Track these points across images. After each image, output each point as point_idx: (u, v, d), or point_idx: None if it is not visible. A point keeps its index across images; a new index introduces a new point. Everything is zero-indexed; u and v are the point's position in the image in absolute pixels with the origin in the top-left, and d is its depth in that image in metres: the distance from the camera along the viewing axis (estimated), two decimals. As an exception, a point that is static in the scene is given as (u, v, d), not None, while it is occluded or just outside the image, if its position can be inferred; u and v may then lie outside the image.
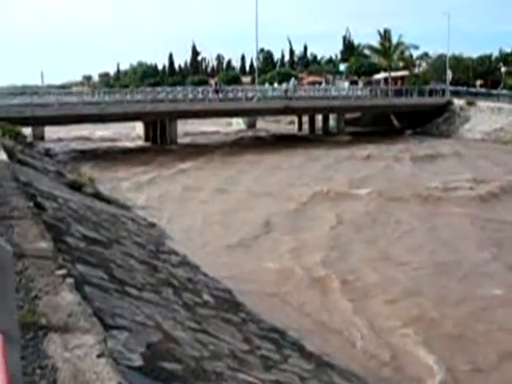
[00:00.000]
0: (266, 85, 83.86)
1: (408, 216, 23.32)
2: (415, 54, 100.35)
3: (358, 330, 12.45)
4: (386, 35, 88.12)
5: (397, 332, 12.51)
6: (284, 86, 71.85)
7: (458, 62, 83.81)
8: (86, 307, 4.96)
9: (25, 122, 46.66)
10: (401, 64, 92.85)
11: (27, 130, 48.17)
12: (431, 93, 68.27)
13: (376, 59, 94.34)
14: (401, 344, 11.98)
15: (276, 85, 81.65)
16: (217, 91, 61.53)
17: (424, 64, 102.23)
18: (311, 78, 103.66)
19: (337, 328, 12.52)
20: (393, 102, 66.53)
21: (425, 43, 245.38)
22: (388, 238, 20.10)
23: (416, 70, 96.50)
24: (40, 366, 3.81)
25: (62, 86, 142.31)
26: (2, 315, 2.27)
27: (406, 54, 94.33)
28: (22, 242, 6.73)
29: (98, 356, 3.98)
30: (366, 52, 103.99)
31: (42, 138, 55.85)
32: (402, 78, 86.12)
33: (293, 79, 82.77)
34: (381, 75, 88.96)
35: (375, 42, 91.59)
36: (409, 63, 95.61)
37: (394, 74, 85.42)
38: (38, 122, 52.10)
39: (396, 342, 12.05)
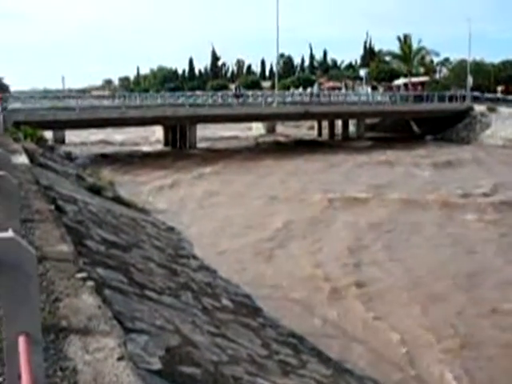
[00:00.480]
0: (291, 89, 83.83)
1: (428, 222, 23.17)
2: (436, 59, 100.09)
3: (378, 336, 12.38)
4: (406, 41, 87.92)
5: (420, 341, 12.38)
6: (309, 90, 71.78)
7: (479, 67, 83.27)
8: (106, 310, 4.99)
9: (46, 125, 46.92)
10: (422, 70, 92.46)
11: (48, 134, 48.49)
12: (452, 99, 67.91)
13: (396, 65, 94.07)
14: (424, 354, 11.85)
15: (301, 89, 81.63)
16: (237, 96, 61.59)
17: (444, 70, 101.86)
18: (331, 84, 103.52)
19: (355, 334, 12.45)
20: (413, 107, 66.25)
21: (445, 49, 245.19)
22: (408, 244, 19.98)
23: (436, 76, 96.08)
24: (61, 367, 3.84)
25: (83, 90, 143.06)
26: (26, 317, 2.29)
27: (427, 59, 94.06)
28: (43, 244, 6.77)
29: (118, 359, 4.00)
30: (387, 58, 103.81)
31: (62, 142, 56.21)
32: (423, 83, 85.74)
33: (317, 84, 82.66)
34: (401, 81, 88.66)
35: (395, 47, 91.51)
36: (429, 69, 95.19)
37: (414, 79, 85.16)
38: (59, 125, 52.42)
39: (419, 352, 11.92)
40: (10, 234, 2.31)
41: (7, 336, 2.29)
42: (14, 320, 2.28)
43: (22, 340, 2.21)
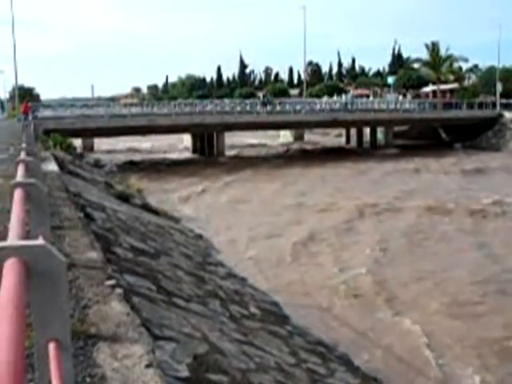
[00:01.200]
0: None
1: (456, 231, 22.98)
2: (464, 66, 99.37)
3: (407, 346, 12.29)
4: (434, 47, 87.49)
5: (450, 351, 12.25)
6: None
7: (508, 74, 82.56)
8: (134, 317, 5.01)
9: (75, 133, 47.43)
10: (451, 77, 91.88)
11: (77, 142, 48.91)
12: (481, 106, 67.48)
13: (424, 72, 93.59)
14: (453, 364, 11.72)
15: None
16: (264, 103, 61.68)
17: (473, 76, 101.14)
18: (359, 91, 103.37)
19: (384, 342, 12.37)
20: (441, 115, 65.94)
21: (474, 55, 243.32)
22: (436, 252, 19.82)
23: (465, 83, 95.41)
24: (90, 374, 3.86)
25: (112, 98, 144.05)
26: (56, 324, 2.31)
27: (455, 66, 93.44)
28: (72, 251, 6.82)
29: (147, 366, 4.01)
30: (415, 65, 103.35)
31: (91, 149, 56.72)
32: (451, 90, 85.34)
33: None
34: (429, 88, 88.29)
35: (424, 54, 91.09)
36: (458, 76, 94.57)
37: (442, 86, 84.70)
38: (88, 133, 52.89)
39: (448, 362, 11.79)
40: (40, 241, 2.33)
41: (37, 342, 2.31)
42: (45, 327, 2.30)
43: (52, 347, 2.22)
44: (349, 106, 65.16)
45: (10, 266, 2.09)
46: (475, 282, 16.52)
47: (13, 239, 2.84)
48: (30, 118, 45.05)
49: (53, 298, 2.28)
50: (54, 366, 2.06)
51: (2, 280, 1.99)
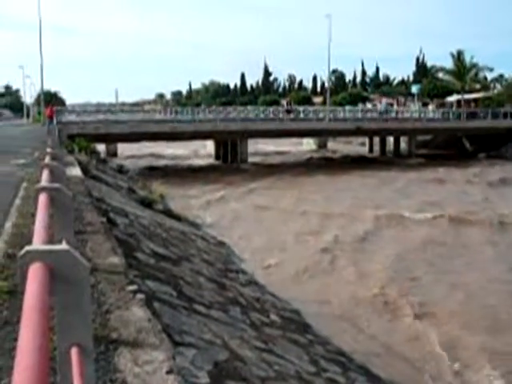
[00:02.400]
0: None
1: (481, 242, 22.76)
2: (490, 75, 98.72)
3: (430, 357, 12.19)
4: (459, 57, 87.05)
5: (475, 365, 12.12)
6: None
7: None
8: (155, 323, 5.02)
9: (99, 138, 47.76)
10: (476, 86, 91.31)
11: (101, 147, 49.22)
12: (506, 115, 67.00)
13: (449, 81, 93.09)
14: (478, 377, 11.59)
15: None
16: (288, 111, 61.70)
17: (499, 86, 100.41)
18: (383, 99, 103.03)
19: (405, 353, 12.29)
20: (466, 124, 65.56)
21: (500, 65, 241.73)
22: (459, 265, 19.63)
23: (490, 93, 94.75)
24: (111, 379, 3.87)
25: (135, 104, 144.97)
26: (79, 329, 2.32)
27: (480, 75, 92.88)
28: (94, 256, 6.86)
29: (167, 372, 4.01)
30: (439, 74, 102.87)
31: (114, 155, 57.05)
32: (476, 100, 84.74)
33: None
34: (454, 97, 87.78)
35: (448, 63, 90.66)
36: (483, 85, 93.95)
37: (467, 96, 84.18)
38: (112, 138, 53.24)
39: (471, 376, 11.67)
40: (65, 246, 2.34)
41: (60, 346, 2.32)
42: (67, 331, 2.31)
43: (74, 351, 2.24)
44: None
45: (35, 270, 2.11)
46: (496, 292, 16.38)
47: (37, 243, 2.86)
48: (55, 122, 45.41)
49: (76, 302, 2.30)
50: (76, 371, 2.07)
51: (27, 284, 2.00)
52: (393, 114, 68.06)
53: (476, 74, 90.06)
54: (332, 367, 9.28)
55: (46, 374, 1.44)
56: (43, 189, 4.69)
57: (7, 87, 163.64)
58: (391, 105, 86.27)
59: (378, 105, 76.84)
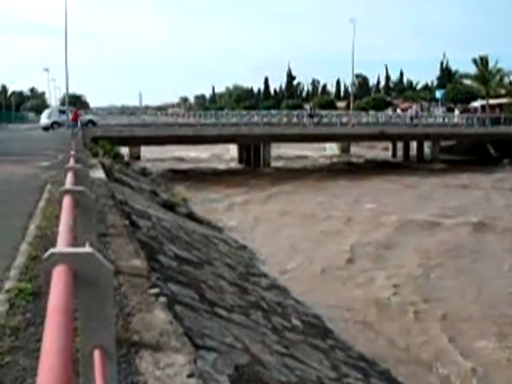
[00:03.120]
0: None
1: (505, 249, 22.57)
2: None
3: (451, 364, 12.09)
4: (483, 62, 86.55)
5: (497, 375, 12.02)
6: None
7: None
8: (177, 326, 5.04)
9: (122, 141, 47.98)
10: (502, 91, 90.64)
11: (124, 150, 49.42)
12: (531, 121, 66.57)
13: (473, 86, 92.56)
14: None
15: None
16: (311, 116, 61.62)
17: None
18: (406, 105, 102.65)
19: (427, 360, 12.21)
20: (490, 130, 65.14)
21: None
22: (482, 271, 19.48)
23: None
24: (132, 382, 3.89)
25: (159, 108, 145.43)
26: (101, 331, 2.34)
27: (506, 80, 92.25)
28: (117, 258, 6.89)
29: (188, 376, 4.02)
30: (464, 79, 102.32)
31: (138, 158, 57.25)
32: (501, 105, 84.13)
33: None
34: (478, 103, 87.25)
35: (472, 68, 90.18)
36: (508, 90, 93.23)
37: (491, 101, 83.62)
38: (135, 141, 53.47)
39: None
40: (89, 249, 2.36)
41: (83, 348, 2.34)
42: (91, 333, 2.33)
43: (97, 353, 2.25)
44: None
45: (59, 272, 2.13)
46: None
47: (61, 246, 2.88)
48: (79, 125, 45.72)
49: (99, 305, 2.32)
50: (98, 373, 2.09)
51: (51, 286, 2.02)
52: (423, 120, 67.70)
53: (501, 79, 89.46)
54: (353, 373, 9.26)
55: (70, 375, 1.46)
56: (67, 191, 4.73)
57: (33, 90, 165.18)
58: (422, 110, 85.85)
59: (408, 110, 76.33)
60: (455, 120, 69.80)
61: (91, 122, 54.86)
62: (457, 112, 77.00)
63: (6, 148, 28.96)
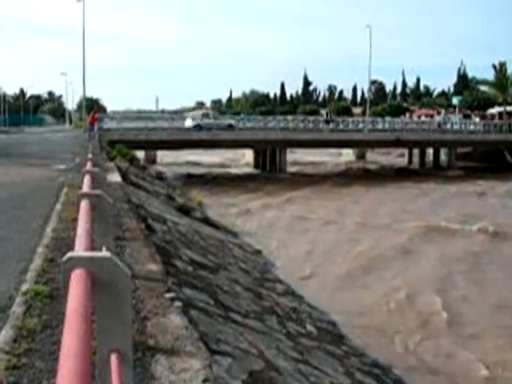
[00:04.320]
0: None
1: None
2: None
3: (465, 373, 12.02)
4: (502, 68, 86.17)
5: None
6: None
7: None
8: (192, 331, 5.04)
9: (139, 145, 48.12)
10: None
11: (141, 154, 49.57)
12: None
13: (491, 93, 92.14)
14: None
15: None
16: (327, 121, 61.51)
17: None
18: (423, 111, 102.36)
19: (441, 368, 12.14)
20: (507, 137, 64.81)
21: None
22: (498, 279, 19.37)
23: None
24: (147, 386, 3.89)
25: (176, 112, 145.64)
26: (119, 335, 2.35)
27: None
28: (133, 262, 6.91)
29: (203, 381, 4.03)
30: (481, 86, 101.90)
31: (153, 162, 57.40)
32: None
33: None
34: (495, 109, 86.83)
35: (489, 75, 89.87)
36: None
37: (509, 108, 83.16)
38: (152, 145, 53.57)
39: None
40: (107, 253, 2.37)
41: (100, 352, 2.35)
42: (108, 337, 2.34)
43: (114, 357, 2.26)
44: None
45: (77, 276, 2.14)
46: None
47: (79, 250, 2.89)
48: (96, 128, 45.90)
49: (117, 309, 2.33)
50: (115, 377, 2.10)
51: (70, 289, 2.04)
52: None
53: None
54: (367, 380, 9.23)
55: (89, 379, 1.46)
56: (85, 195, 4.75)
57: (50, 93, 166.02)
58: (431, 116, 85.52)
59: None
60: (471, 127, 69.40)
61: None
62: (477, 119, 76.51)
63: (24, 151, 29.15)
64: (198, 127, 56.08)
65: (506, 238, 25.27)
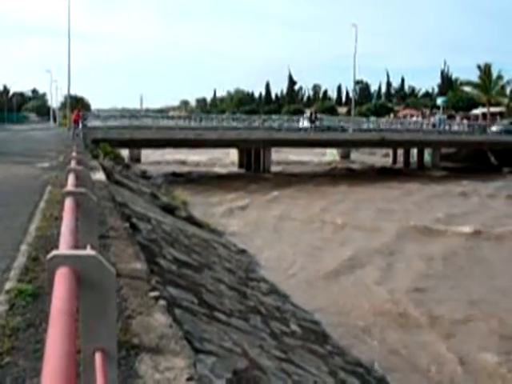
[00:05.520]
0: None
1: (503, 257, 22.59)
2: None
3: (447, 371, 12.08)
4: (485, 70, 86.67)
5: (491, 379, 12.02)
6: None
7: None
8: (176, 330, 5.03)
9: (123, 143, 47.99)
10: (504, 100, 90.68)
11: (125, 152, 49.44)
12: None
13: (475, 94, 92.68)
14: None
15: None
16: (312, 121, 61.57)
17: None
18: (407, 111, 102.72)
19: (424, 366, 12.18)
20: (490, 138, 65.17)
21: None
22: (476, 280, 19.43)
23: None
24: (131, 385, 3.88)
25: (160, 110, 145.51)
26: (103, 334, 2.34)
27: (508, 89, 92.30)
28: (117, 261, 6.89)
29: (187, 379, 4.02)
30: (465, 87, 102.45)
31: (138, 160, 57.27)
32: (502, 113, 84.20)
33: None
34: (479, 110, 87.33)
35: (474, 76, 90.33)
36: (510, 99, 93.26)
37: (492, 109, 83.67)
38: (136, 144, 53.46)
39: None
40: (91, 251, 2.37)
41: (84, 351, 2.34)
42: (92, 336, 2.33)
43: (98, 356, 2.25)
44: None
45: (62, 274, 2.13)
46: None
47: (64, 248, 2.88)
48: (80, 127, 45.69)
49: (101, 307, 2.32)
50: (99, 376, 2.09)
51: (54, 288, 2.03)
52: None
53: (502, 88, 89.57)
54: (351, 379, 9.26)
55: (74, 378, 1.46)
56: (69, 193, 4.73)
57: (34, 91, 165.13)
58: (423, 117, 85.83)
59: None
60: (455, 127, 69.69)
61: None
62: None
63: (8, 148, 29.00)
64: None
65: (484, 238, 25.42)
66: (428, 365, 12.24)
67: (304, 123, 61.65)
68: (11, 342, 4.31)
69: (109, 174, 18.94)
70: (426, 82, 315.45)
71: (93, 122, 54.75)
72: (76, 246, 3.20)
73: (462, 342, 13.70)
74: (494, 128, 68.26)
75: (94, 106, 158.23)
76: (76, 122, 46.00)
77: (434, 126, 66.50)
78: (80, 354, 2.30)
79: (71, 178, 6.14)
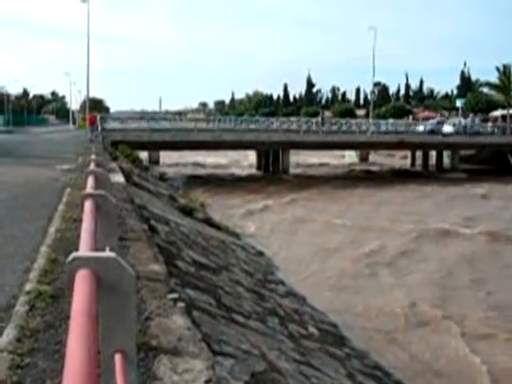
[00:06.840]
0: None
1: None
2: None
3: (467, 375, 12.01)
4: (505, 71, 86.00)
5: None
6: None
7: None
8: (195, 332, 5.03)
9: (142, 146, 48.12)
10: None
11: (144, 154, 49.58)
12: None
13: (494, 96, 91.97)
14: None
15: (461, 119, 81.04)
16: (322, 123, 61.53)
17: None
18: (426, 113, 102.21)
19: (443, 370, 12.13)
20: (510, 140, 64.73)
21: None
22: (496, 282, 19.31)
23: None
24: (150, 386, 3.89)
25: (179, 113, 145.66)
26: (123, 336, 2.35)
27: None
28: (136, 263, 6.90)
29: (206, 382, 4.02)
30: (484, 89, 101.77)
31: (157, 162, 57.35)
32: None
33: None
34: (499, 112, 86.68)
35: (493, 77, 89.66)
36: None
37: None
38: (155, 146, 53.56)
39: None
40: (112, 254, 2.38)
41: (104, 352, 2.35)
42: (112, 337, 2.34)
43: (118, 358, 2.26)
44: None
45: (82, 276, 2.15)
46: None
47: (84, 250, 2.90)
48: (99, 129, 45.88)
49: (121, 309, 2.33)
50: (119, 377, 2.10)
51: (75, 289, 2.04)
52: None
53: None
54: (369, 382, 9.23)
55: (95, 379, 1.47)
56: (89, 195, 4.75)
57: (53, 93, 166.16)
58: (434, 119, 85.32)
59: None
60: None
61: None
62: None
63: (28, 151, 29.19)
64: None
65: (505, 241, 25.24)
66: (449, 368, 12.18)
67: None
68: (31, 344, 4.34)
69: (127, 176, 18.99)
70: (445, 84, 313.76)
71: (112, 124, 54.97)
72: (95, 248, 3.22)
73: (481, 344, 13.61)
74: None
75: (113, 109, 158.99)
76: (92, 124, 46.15)
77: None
78: (100, 356, 2.32)
79: (90, 181, 6.17)
